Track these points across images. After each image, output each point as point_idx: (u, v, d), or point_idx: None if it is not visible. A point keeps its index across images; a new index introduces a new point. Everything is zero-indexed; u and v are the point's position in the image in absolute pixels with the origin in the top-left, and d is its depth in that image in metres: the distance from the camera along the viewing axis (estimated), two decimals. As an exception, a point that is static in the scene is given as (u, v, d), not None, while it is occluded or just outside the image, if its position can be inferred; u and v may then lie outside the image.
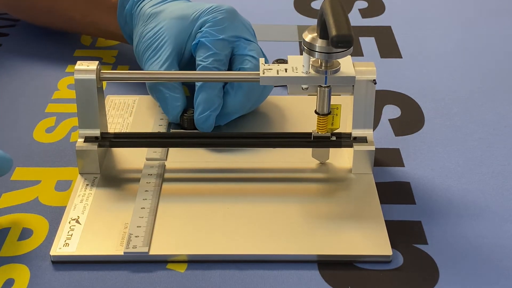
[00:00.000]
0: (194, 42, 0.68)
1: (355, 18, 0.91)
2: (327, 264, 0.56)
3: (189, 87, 0.74)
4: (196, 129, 0.67)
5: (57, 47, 0.84)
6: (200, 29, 0.69)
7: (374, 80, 0.61)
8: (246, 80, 0.63)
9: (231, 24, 0.69)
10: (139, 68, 0.75)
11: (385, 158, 0.67)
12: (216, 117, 0.67)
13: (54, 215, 0.60)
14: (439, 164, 0.66)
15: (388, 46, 0.85)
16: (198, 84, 0.67)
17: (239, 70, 0.68)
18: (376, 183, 0.63)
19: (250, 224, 0.58)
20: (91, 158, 0.63)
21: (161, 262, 0.56)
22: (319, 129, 0.63)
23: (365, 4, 0.95)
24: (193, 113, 0.67)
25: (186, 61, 0.70)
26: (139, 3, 0.74)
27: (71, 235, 0.57)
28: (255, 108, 0.71)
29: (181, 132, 0.67)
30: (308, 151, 0.64)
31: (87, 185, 0.62)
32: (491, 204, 0.62)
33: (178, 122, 0.68)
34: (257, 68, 0.65)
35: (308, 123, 0.65)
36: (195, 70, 0.68)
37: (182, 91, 0.68)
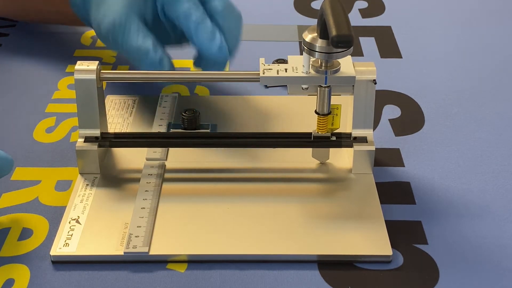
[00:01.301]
0: (159, 7, 0.69)
1: (355, 18, 0.91)
2: (327, 264, 0.56)
3: (174, 32, 0.73)
4: (196, 129, 0.67)
5: (57, 47, 0.84)
6: None
7: (374, 80, 0.61)
8: (246, 80, 0.63)
9: None
10: (139, 68, 0.75)
11: (385, 158, 0.67)
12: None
13: (54, 215, 0.60)
14: (439, 164, 0.66)
15: (388, 46, 0.85)
16: (189, 25, 0.67)
17: (209, 9, 0.69)
18: (376, 183, 0.63)
19: (250, 224, 0.58)
20: (91, 158, 0.63)
21: (161, 262, 0.56)
22: (319, 129, 0.63)
23: (365, 4, 0.95)
24: (193, 113, 0.67)
25: (151, 29, 0.70)
26: None
27: (71, 235, 0.57)
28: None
29: (181, 132, 0.67)
30: (308, 151, 0.64)
31: (87, 185, 0.62)
32: (491, 204, 0.62)
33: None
34: (227, 4, 0.68)
35: (308, 123, 0.65)
36: (162, 36, 0.69)
37: (165, 53, 0.68)
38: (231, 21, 0.69)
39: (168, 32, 0.71)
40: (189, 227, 0.58)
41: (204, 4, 0.69)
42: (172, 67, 0.68)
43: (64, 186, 0.63)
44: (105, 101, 0.68)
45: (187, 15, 0.67)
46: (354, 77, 0.60)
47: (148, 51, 0.67)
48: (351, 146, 0.63)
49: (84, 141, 0.63)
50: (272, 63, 0.74)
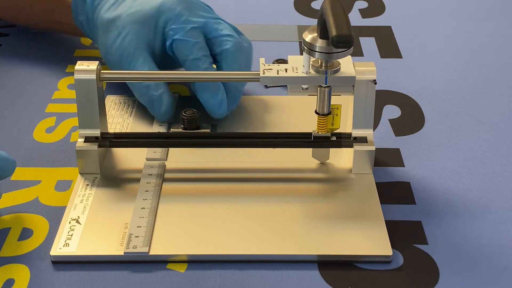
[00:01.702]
0: (168, 43, 0.69)
1: (355, 18, 0.91)
2: (327, 264, 0.56)
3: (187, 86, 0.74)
4: (196, 129, 0.67)
5: (58, 47, 0.84)
6: (165, 24, 0.69)
7: (374, 80, 0.61)
8: (246, 80, 0.63)
9: (190, 12, 0.69)
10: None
11: (385, 158, 0.67)
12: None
13: (54, 215, 0.60)
14: (439, 164, 0.66)
15: (388, 46, 0.85)
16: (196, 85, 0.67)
17: (222, 53, 0.69)
18: (376, 183, 0.63)
19: (250, 224, 0.58)
20: (91, 158, 0.63)
21: (161, 262, 0.56)
22: (319, 129, 0.63)
23: (365, 4, 0.95)
24: (193, 113, 0.67)
25: (159, 59, 0.70)
26: (93, 10, 0.73)
27: (71, 235, 0.57)
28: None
29: (181, 132, 0.67)
30: (308, 151, 0.64)
31: (87, 185, 0.62)
32: (491, 204, 0.62)
33: (167, 120, 0.69)
34: (237, 44, 0.68)
35: (308, 123, 0.65)
36: (170, 66, 0.71)
37: (166, 90, 0.68)
38: (237, 67, 0.69)
39: (170, 60, 0.71)
40: (189, 227, 0.58)
41: (214, 46, 0.69)
42: (171, 106, 0.68)
43: (64, 186, 0.63)
44: (105, 101, 0.68)
45: (194, 64, 0.68)
46: (354, 77, 0.60)
47: (150, 86, 0.68)
48: (351, 146, 0.63)
49: (84, 141, 0.63)
50: (272, 63, 0.74)
